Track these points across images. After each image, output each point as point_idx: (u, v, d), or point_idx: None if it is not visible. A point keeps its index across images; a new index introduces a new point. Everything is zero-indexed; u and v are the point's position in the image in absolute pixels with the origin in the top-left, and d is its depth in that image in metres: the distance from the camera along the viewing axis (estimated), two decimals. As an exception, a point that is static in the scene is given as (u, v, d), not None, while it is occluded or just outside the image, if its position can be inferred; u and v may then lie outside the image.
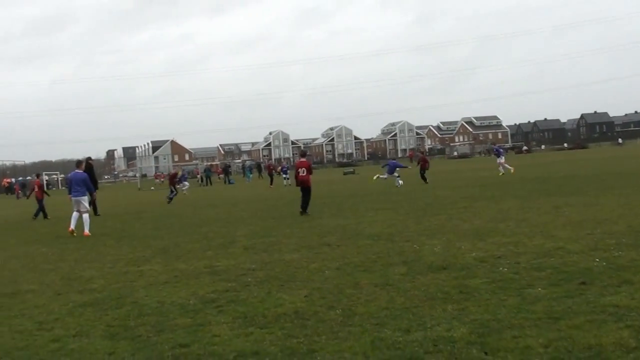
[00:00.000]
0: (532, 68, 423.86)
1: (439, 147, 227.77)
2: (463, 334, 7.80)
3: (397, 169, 42.53)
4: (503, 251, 13.43)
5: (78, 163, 25.46)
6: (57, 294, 12.25)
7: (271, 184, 59.29)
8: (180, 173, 55.01)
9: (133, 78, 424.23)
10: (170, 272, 13.75)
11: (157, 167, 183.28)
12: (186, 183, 58.16)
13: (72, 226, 23.37)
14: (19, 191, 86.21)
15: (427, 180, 42.20)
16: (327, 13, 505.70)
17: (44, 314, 10.58)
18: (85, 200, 24.01)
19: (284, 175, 61.68)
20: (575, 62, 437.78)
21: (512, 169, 46.37)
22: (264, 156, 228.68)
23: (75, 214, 23.74)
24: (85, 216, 23.64)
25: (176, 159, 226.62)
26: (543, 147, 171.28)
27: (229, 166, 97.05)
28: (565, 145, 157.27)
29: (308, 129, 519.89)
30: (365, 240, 16.51)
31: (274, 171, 65.11)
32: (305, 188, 25.49)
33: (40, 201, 34.43)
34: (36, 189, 35.73)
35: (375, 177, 45.54)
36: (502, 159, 47.59)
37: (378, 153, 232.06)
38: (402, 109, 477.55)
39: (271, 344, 7.95)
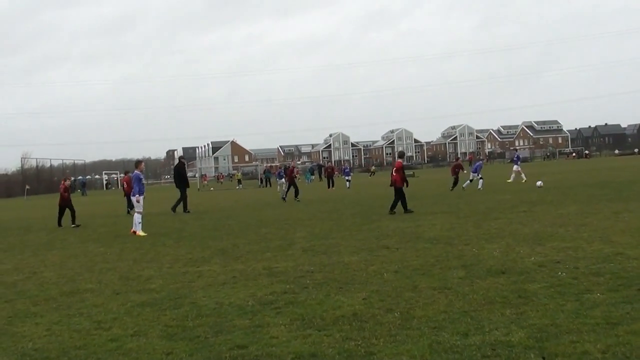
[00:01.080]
0: (595, 73, 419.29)
1: (499, 151, 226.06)
2: (521, 338, 7.81)
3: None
4: (562, 256, 13.37)
5: (137, 163, 25.75)
6: (116, 294, 12.38)
7: (331, 186, 58.74)
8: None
9: (199, 78, 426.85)
10: (229, 273, 13.85)
11: (216, 168, 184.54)
12: (283, 181, 58.06)
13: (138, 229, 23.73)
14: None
15: (453, 188, 41.18)
16: (392, 15, 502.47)
17: (102, 313, 10.68)
18: (133, 200, 24.48)
19: (347, 177, 61.38)
20: (637, 68, 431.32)
21: (524, 179, 45.62)
22: (324, 158, 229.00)
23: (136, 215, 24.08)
24: (137, 216, 23.95)
25: (236, 159, 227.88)
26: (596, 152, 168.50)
27: (288, 167, 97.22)
28: (617, 151, 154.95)
29: (369, 131, 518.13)
30: (424, 244, 16.53)
31: (334, 173, 64.54)
32: (396, 188, 26.64)
33: (128, 195, 34.66)
34: (125, 186, 36.49)
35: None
36: (517, 167, 47.29)
37: (438, 156, 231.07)
38: (463, 112, 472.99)
39: (329, 346, 8.00)
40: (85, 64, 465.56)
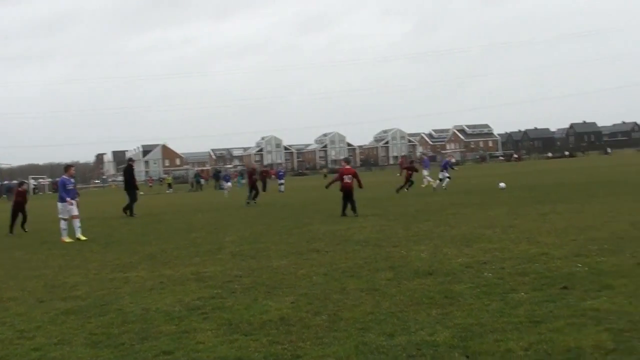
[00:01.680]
0: (525, 78, 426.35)
1: (430, 154, 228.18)
2: (446, 337, 7.88)
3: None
4: (488, 257, 13.56)
5: (66, 167, 25.04)
6: (40, 302, 12.09)
7: (264, 189, 57.93)
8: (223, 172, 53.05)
9: (129, 81, 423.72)
10: (156, 279, 13.69)
11: (147, 172, 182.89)
12: (229, 184, 57.26)
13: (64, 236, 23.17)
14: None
15: (400, 190, 40.95)
16: (328, 19, 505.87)
17: (26, 322, 10.41)
18: (59, 206, 23.76)
19: (280, 181, 60.87)
20: (566, 73, 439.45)
21: (434, 184, 45.94)
22: (256, 161, 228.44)
23: (62, 222, 23.51)
24: (75, 222, 23.49)
25: (167, 163, 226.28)
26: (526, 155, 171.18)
27: (220, 171, 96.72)
28: (550, 154, 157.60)
29: (302, 135, 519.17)
30: (354, 246, 16.59)
31: (269, 176, 63.90)
32: (350, 194, 26.42)
33: None
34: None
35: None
36: (426, 172, 47.82)
37: (370, 160, 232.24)
38: (396, 117, 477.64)
39: (255, 350, 7.97)
40: (13, 65, 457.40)
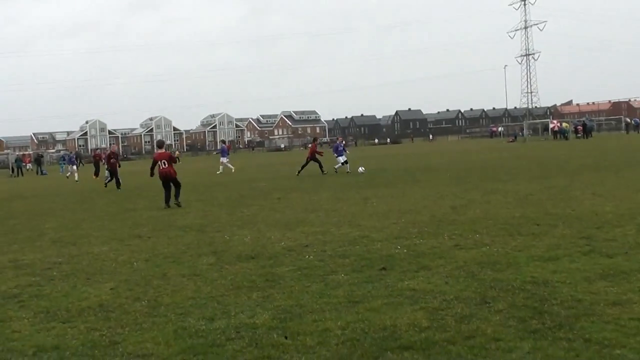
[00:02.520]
0: (353, 66, 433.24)
1: (258, 139, 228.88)
2: (265, 320, 7.96)
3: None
4: (311, 240, 13.76)
5: None
6: None
7: (96, 175, 54.93)
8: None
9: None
10: (-29, 267, 13.19)
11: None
12: (74, 167, 54.17)
13: None
14: None
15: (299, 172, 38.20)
16: (160, 2, 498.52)
17: None
18: None
19: (72, 168, 57.10)
20: (393, 62, 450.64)
21: (224, 169, 46.51)
22: (80, 146, 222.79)
23: None
24: None
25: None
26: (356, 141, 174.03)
27: (42, 156, 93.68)
28: (376, 140, 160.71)
29: (128, 119, 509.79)
30: (177, 232, 16.47)
31: (101, 161, 60.12)
32: (170, 180, 23.69)
33: None
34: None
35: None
36: (224, 159, 48.04)
37: (197, 144, 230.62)
38: (224, 101, 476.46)
39: (73, 337, 7.86)
40: None
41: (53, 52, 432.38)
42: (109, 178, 37.91)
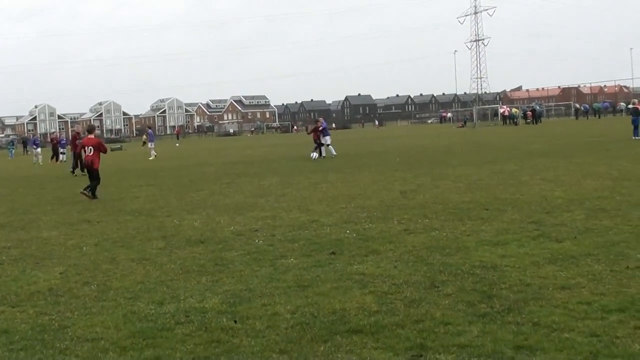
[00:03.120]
0: (303, 51, 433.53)
1: (208, 124, 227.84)
2: (215, 304, 7.97)
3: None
4: (260, 224, 13.77)
5: None
6: None
7: (57, 160, 53.19)
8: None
9: None
10: None
11: None
12: (39, 150, 52.52)
13: None
14: None
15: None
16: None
17: None
18: None
19: (61, 150, 55.47)
20: (345, 47, 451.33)
21: (154, 156, 46.61)
22: (29, 130, 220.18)
23: None
24: None
25: None
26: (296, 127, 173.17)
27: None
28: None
29: (78, 104, 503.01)
30: (126, 216, 16.37)
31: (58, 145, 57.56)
32: (90, 170, 21.92)
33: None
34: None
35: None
36: (152, 144, 48.97)
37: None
38: (174, 86, 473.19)
39: (22, 322, 7.81)
40: None
41: (3, 36, 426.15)
42: (75, 163, 33.79)
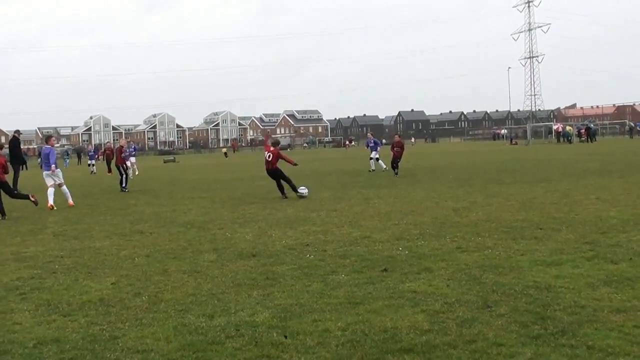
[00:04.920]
0: (357, 66, 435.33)
1: (261, 138, 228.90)
2: (265, 318, 7.94)
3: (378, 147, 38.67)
4: (312, 239, 13.73)
5: (47, 138, 25.81)
6: None
7: (109, 171, 51.37)
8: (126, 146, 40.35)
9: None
10: (-27, 259, 13.18)
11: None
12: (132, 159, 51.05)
13: (51, 200, 23.35)
14: None
15: (397, 171, 34.05)
16: (177, 2, 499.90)
17: None
18: (59, 174, 24.56)
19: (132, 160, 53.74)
20: (398, 62, 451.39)
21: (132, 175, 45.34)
22: (84, 141, 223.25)
23: (50, 189, 23.90)
24: (64, 188, 24.46)
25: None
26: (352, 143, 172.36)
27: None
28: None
29: (133, 115, 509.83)
30: (178, 228, 16.46)
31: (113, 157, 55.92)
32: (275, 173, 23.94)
33: None
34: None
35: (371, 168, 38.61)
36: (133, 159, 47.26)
37: (200, 142, 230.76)
38: (228, 99, 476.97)
39: (73, 331, 7.83)
40: None
41: (65, 49, 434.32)
42: (122, 177, 32.14)
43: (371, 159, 38.73)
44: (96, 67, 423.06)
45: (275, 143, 25.42)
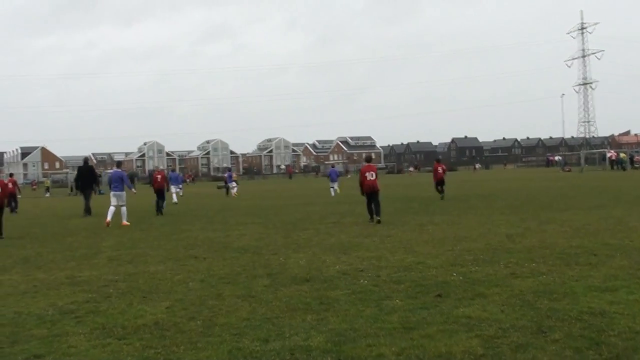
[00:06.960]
0: (410, 93, 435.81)
1: (314, 164, 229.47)
2: (320, 342, 7.95)
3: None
4: (365, 265, 13.72)
5: (118, 163, 30.84)
6: None
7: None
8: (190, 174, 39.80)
9: (23, 81, 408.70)
10: (30, 282, 13.39)
11: (25, 175, 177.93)
12: (234, 183, 54.68)
13: (109, 218, 26.70)
14: None
15: (443, 195, 35.65)
16: (233, 30, 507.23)
17: None
18: (123, 196, 27.93)
19: (179, 186, 52.51)
20: (451, 89, 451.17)
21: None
22: (138, 167, 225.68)
23: (112, 208, 27.31)
24: (124, 209, 27.47)
25: (46, 166, 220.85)
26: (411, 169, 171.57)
27: (100, 176, 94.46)
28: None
29: (186, 141, 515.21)
30: (232, 253, 16.55)
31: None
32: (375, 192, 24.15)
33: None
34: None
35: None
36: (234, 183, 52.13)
37: (254, 168, 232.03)
38: (282, 126, 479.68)
39: (128, 354, 7.91)
40: None
41: (125, 75, 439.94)
42: (160, 204, 33.82)
43: (332, 187, 46.72)
44: (153, 94, 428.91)
45: (369, 159, 26.15)
